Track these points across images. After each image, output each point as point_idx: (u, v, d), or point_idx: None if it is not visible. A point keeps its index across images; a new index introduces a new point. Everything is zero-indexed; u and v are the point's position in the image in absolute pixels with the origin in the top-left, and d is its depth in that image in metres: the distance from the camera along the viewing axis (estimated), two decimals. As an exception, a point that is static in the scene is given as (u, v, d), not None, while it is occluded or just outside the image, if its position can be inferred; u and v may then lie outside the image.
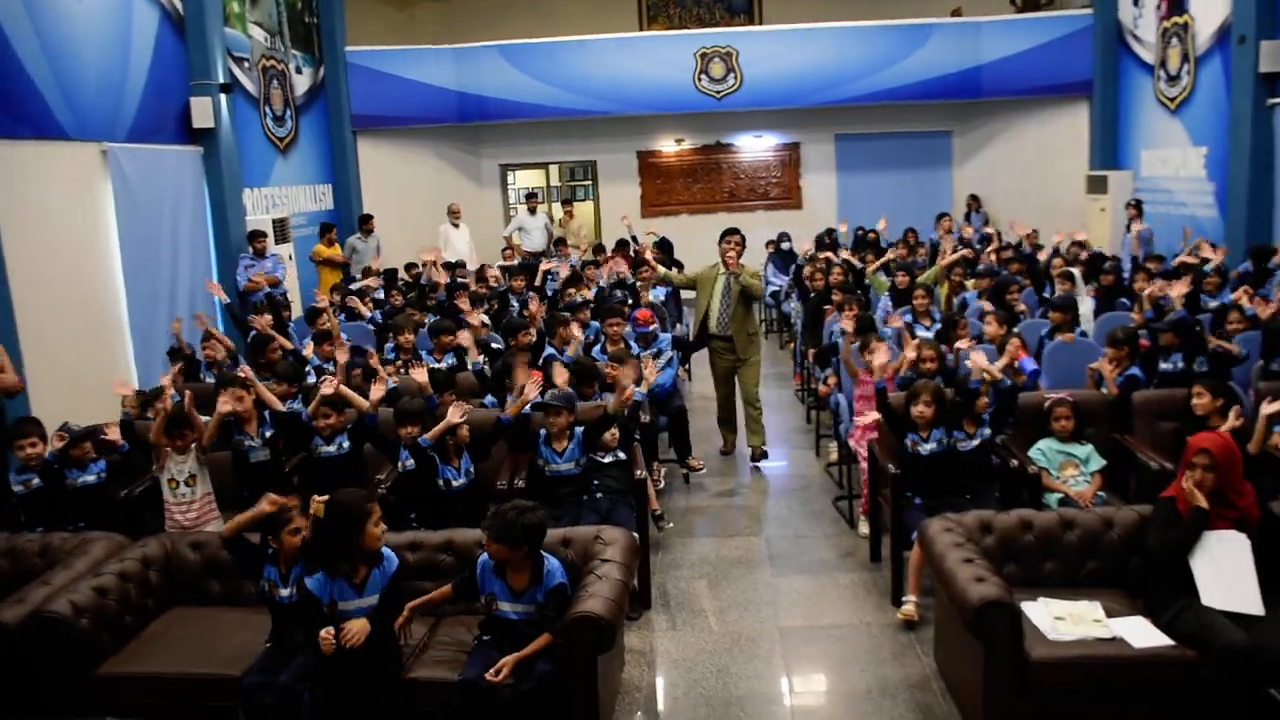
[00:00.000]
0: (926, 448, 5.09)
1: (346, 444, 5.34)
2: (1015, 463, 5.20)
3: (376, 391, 5.28)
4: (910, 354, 5.94)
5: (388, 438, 5.24)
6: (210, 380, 6.51)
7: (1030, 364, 6.09)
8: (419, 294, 9.23)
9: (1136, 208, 11.35)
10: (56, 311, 7.43)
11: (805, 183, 15.35)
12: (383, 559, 3.85)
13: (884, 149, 14.98)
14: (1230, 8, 10.29)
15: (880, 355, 5.59)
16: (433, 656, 3.97)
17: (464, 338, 6.89)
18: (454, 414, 5.06)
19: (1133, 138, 12.76)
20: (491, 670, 3.64)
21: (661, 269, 8.23)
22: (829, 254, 10.27)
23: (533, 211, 13.57)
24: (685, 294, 10.59)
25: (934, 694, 4.29)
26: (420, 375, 5.63)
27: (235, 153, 10.15)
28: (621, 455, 5.42)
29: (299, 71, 12.44)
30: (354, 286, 9.33)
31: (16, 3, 7.16)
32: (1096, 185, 12.99)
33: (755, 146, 15.36)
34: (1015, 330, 6.53)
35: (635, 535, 4.79)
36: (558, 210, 14.60)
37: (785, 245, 12.50)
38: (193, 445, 5.15)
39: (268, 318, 7.31)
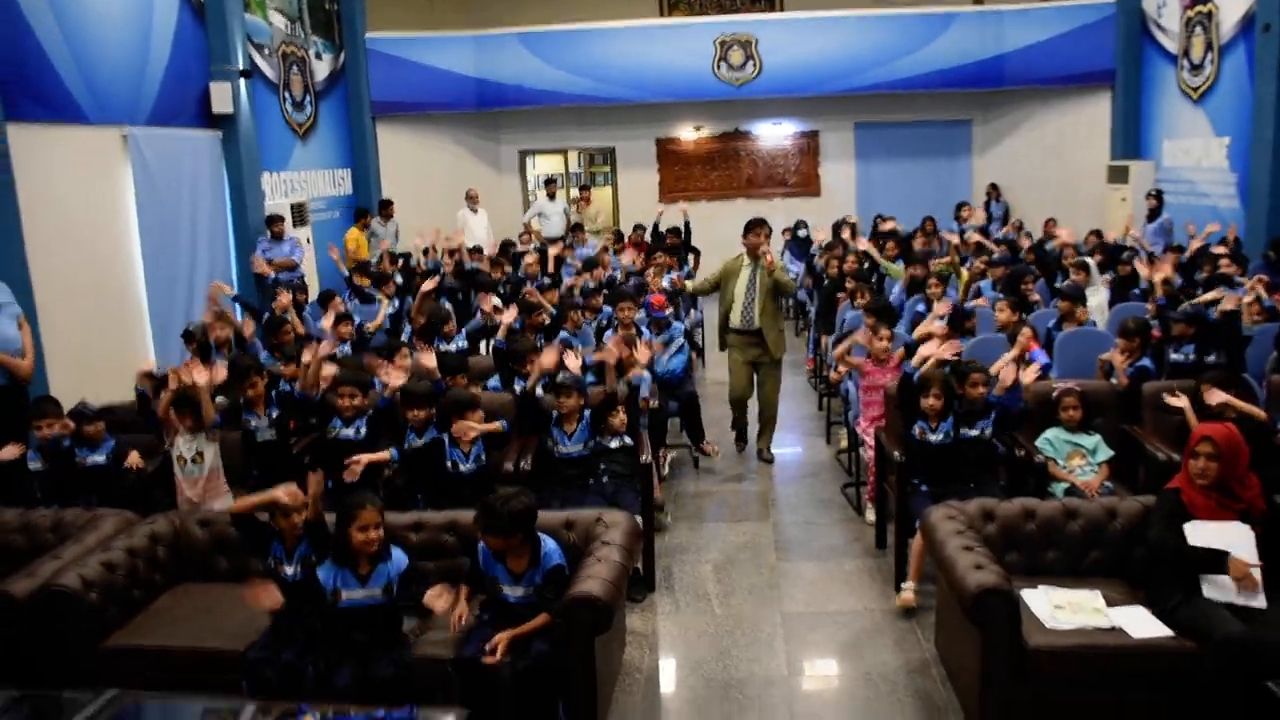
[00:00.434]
0: (935, 437, 5.07)
1: (364, 430, 5.33)
2: (1021, 452, 5.17)
3: (396, 378, 5.28)
4: (940, 350, 5.43)
5: (395, 419, 5.29)
6: (219, 362, 6.57)
7: (1041, 356, 6.05)
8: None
9: (1156, 198, 11.24)
10: (75, 294, 7.51)
11: (824, 170, 15.28)
12: (390, 556, 3.89)
13: (903, 137, 14.87)
14: (1255, -4, 10.15)
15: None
16: (433, 636, 4.00)
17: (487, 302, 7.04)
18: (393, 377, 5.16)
19: (1155, 127, 12.63)
20: (488, 646, 3.67)
21: (689, 283, 7.76)
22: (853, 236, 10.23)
23: (552, 197, 13.60)
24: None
25: (934, 680, 4.29)
26: (429, 359, 5.65)
27: (254, 138, 10.22)
28: (628, 440, 5.44)
29: (319, 58, 12.49)
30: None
31: (37, -14, 7.23)
32: (1118, 175, 12.87)
33: (774, 134, 15.29)
34: (1026, 320, 6.49)
35: (638, 519, 4.81)
36: (577, 195, 14.61)
37: (802, 233, 12.45)
38: (202, 425, 5.20)
39: (287, 297, 7.35)
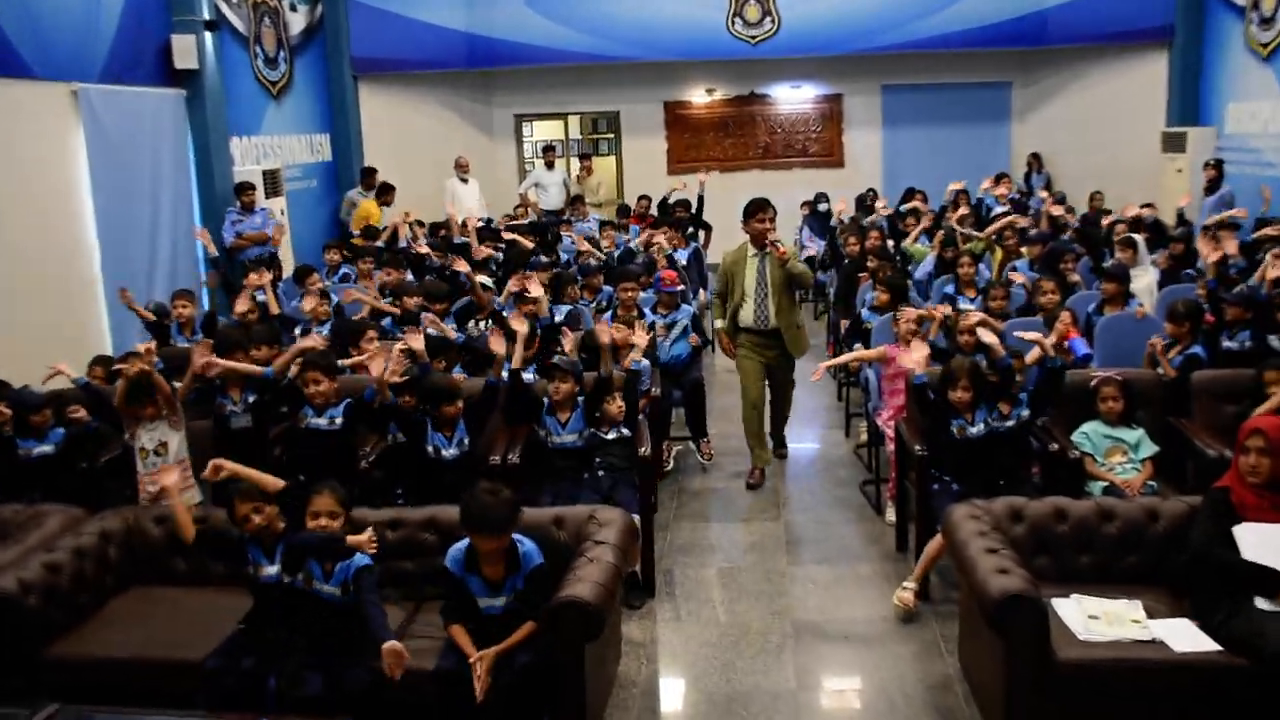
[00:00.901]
0: (975, 429, 5.06)
1: (339, 420, 5.30)
2: (1055, 447, 5.16)
3: (375, 366, 5.26)
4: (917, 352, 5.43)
5: (375, 411, 5.29)
6: (182, 344, 6.58)
7: (1082, 346, 6.03)
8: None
9: (1216, 168, 11.15)
10: (19, 266, 7.50)
11: (848, 138, 15.23)
12: (351, 554, 3.91)
13: (936, 101, 14.78)
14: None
15: (916, 351, 5.37)
16: (410, 645, 3.99)
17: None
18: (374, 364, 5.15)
19: (1218, 89, 12.47)
20: (470, 664, 3.69)
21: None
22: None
23: (550, 166, 13.59)
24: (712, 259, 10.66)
25: (956, 697, 4.29)
26: (416, 342, 5.66)
27: (222, 97, 10.20)
28: (626, 431, 5.45)
29: (294, 9, 12.44)
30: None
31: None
32: (1173, 143, 12.72)
33: (793, 98, 15.22)
34: (1065, 304, 6.47)
35: (635, 517, 4.82)
36: (576, 166, 14.60)
37: (822, 207, 12.43)
38: (164, 412, 5.18)
39: (267, 276, 7.34)
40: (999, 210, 10.07)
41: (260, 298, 7.04)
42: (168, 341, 6.97)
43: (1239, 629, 3.72)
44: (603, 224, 10.44)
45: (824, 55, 14.06)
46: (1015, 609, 3.65)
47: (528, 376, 5.73)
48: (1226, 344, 6.08)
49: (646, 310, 7.09)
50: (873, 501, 6.29)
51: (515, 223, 11.18)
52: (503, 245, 9.58)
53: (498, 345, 5.43)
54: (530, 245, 9.27)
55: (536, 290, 6.42)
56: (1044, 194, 11.63)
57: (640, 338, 5.75)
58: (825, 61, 14.40)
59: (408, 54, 13.74)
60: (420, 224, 10.91)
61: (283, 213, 11.06)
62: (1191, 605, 3.97)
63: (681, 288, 7.18)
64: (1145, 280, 7.73)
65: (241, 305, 6.59)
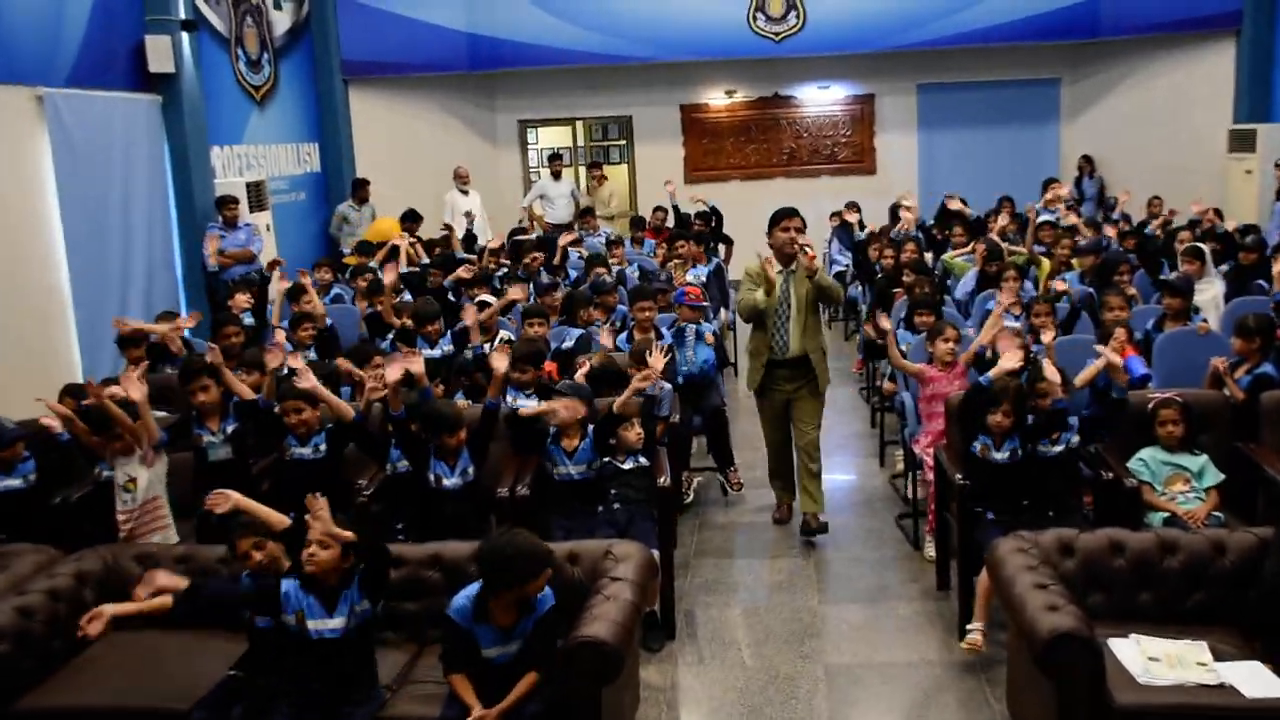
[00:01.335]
0: (999, 455, 5.12)
1: (324, 446, 5.44)
2: (1109, 474, 5.19)
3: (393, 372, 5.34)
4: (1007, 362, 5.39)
5: (374, 435, 5.39)
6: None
7: (1139, 365, 6.07)
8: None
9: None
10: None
11: (880, 143, 15.31)
12: (353, 584, 3.95)
13: (976, 101, 14.85)
14: None
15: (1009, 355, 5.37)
16: (411, 692, 4.07)
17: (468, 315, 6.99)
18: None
19: (1291, 82, 12.53)
20: None
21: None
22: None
23: (557, 176, 13.69)
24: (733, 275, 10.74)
25: (1005, 747, 4.33)
26: (416, 365, 5.73)
27: (201, 103, 10.32)
28: (643, 460, 5.51)
29: (278, 7, 12.61)
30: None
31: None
32: (1241, 141, 12.70)
33: (820, 99, 15.32)
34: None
35: (655, 552, 4.87)
36: (585, 175, 14.71)
37: (852, 217, 12.46)
38: (134, 447, 5.25)
39: (245, 298, 7.43)
40: (1046, 218, 10.08)
41: (247, 321, 7.15)
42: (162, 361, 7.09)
43: (1317, 672, 3.75)
44: (610, 242, 10.49)
45: (854, 52, 14.17)
46: (1067, 649, 3.67)
47: (526, 404, 5.80)
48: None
49: (665, 331, 7.15)
50: (910, 536, 6.32)
51: (521, 237, 11.28)
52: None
53: (498, 362, 5.48)
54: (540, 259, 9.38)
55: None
56: (1123, 196, 11.52)
57: (658, 361, 5.82)
58: (855, 59, 14.50)
59: (402, 55, 13.87)
60: (418, 239, 11.04)
61: (269, 228, 11.18)
62: (1263, 646, 3.98)
63: (705, 304, 7.23)
64: (1211, 293, 7.73)
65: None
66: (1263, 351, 5.81)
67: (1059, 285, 7.45)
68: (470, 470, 5.23)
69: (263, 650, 4.05)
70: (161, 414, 5.74)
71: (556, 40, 13.90)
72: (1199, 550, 4.32)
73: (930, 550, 5.91)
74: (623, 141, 15.98)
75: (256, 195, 11.10)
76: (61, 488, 5.52)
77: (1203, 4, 13.11)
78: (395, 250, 9.94)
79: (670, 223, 11.82)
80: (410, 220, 11.54)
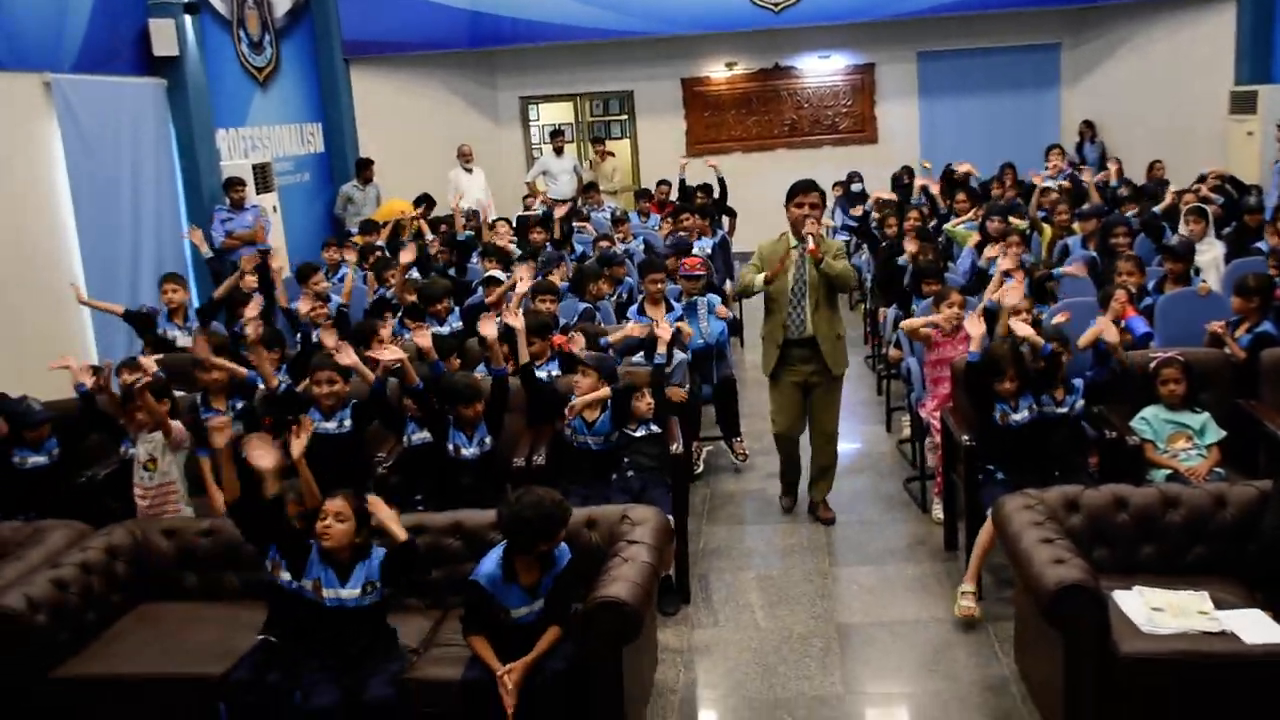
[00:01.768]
0: (1018, 417, 5.22)
1: (348, 422, 5.54)
2: (1113, 433, 5.30)
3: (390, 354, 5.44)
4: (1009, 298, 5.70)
5: (394, 408, 5.51)
6: (173, 331, 6.86)
7: (1141, 324, 6.14)
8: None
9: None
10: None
11: (881, 112, 15.33)
12: (370, 555, 4.07)
13: (977, 68, 14.87)
14: None
15: (974, 327, 5.47)
16: (435, 654, 4.19)
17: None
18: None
19: (1293, 43, 12.50)
20: (500, 680, 3.85)
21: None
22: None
23: (559, 152, 13.73)
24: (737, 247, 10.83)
25: (1013, 699, 4.44)
26: (424, 339, 5.84)
27: (205, 86, 10.41)
28: (655, 429, 5.62)
29: (279, -13, 12.65)
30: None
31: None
32: (1242, 104, 12.67)
33: (821, 70, 15.35)
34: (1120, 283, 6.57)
35: (669, 516, 4.99)
36: (589, 150, 14.76)
37: (856, 187, 12.53)
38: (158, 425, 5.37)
39: (250, 279, 7.52)
40: (1047, 185, 10.13)
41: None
42: (154, 331, 7.21)
43: (1317, 620, 3.82)
44: (615, 220, 10.55)
45: (854, 21, 14.14)
46: (1073, 600, 3.77)
47: (542, 374, 5.92)
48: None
49: (675, 304, 7.23)
50: (918, 499, 6.43)
51: (525, 213, 11.35)
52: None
53: (486, 329, 5.50)
54: (543, 237, 9.47)
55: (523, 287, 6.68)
56: (1112, 165, 11.56)
57: (664, 330, 5.91)
58: (855, 28, 14.50)
59: (403, 34, 13.89)
60: (420, 217, 11.14)
61: (275, 209, 11.26)
62: (1264, 597, 4.07)
63: (702, 274, 7.30)
64: (1211, 254, 7.77)
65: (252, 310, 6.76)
66: (1262, 310, 5.89)
67: (1067, 270, 7.42)
68: (488, 440, 5.35)
69: (282, 614, 4.17)
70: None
71: (557, 16, 13.91)
72: (1200, 504, 4.41)
73: (938, 512, 6.02)
74: (624, 116, 16.02)
75: (262, 177, 11.17)
76: (86, 465, 5.64)
77: (1203, -35, 13.07)
78: (399, 227, 10.02)
79: (674, 196, 11.88)
80: (423, 204, 11.63)
